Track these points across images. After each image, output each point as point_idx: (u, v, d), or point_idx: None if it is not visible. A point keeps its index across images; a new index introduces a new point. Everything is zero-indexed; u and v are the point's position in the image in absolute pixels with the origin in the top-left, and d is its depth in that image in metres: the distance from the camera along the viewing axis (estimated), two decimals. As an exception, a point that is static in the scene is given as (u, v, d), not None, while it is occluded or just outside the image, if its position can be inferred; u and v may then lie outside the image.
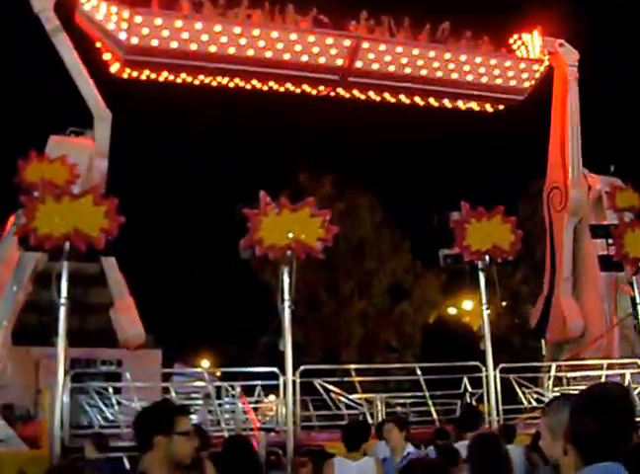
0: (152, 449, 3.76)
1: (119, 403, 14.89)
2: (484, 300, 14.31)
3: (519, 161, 29.15)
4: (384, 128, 28.00)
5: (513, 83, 17.89)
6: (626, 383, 15.20)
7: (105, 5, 14.47)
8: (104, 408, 14.70)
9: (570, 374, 16.63)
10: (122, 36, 14.64)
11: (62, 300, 11.99)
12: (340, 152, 33.38)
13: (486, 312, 14.27)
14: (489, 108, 18.55)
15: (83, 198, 12.08)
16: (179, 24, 14.79)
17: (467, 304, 33.70)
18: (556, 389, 15.52)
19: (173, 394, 14.90)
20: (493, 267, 14.29)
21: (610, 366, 16.05)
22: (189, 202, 35.01)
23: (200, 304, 35.12)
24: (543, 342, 20.50)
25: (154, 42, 14.71)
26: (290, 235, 12.54)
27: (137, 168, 28.35)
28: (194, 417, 15.34)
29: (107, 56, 15.11)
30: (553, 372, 16.05)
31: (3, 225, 13.78)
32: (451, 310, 37.14)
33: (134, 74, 15.35)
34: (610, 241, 16.29)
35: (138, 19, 14.46)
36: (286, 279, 12.75)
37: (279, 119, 26.39)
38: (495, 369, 13.86)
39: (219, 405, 14.51)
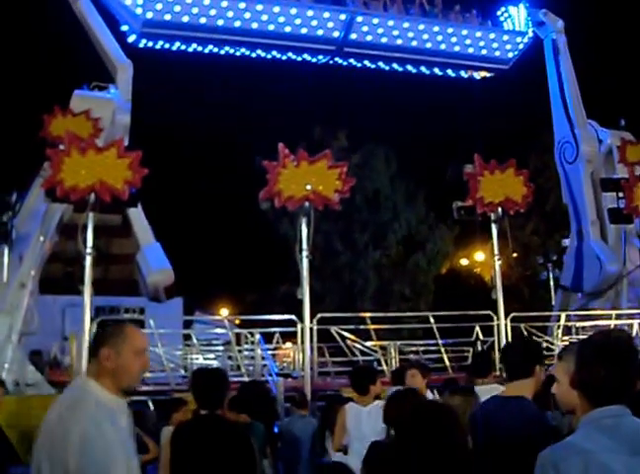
0: (530, 377, 4.60)
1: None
2: (496, 251, 14.59)
3: (529, 116, 29.12)
4: (397, 84, 27.99)
5: (497, 53, 18.98)
6: (634, 333, 15.51)
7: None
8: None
9: (579, 324, 16.89)
10: (139, 10, 15.69)
11: (88, 250, 12.36)
12: (354, 106, 33.39)
13: (498, 263, 14.55)
14: (476, 75, 19.51)
15: (107, 151, 12.38)
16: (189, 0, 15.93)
17: (479, 256, 33.96)
18: (565, 338, 15.76)
19: (195, 341, 15.29)
20: (505, 219, 14.56)
21: (619, 316, 16.36)
22: (209, 154, 35.11)
23: (219, 254, 35.43)
24: (553, 292, 20.84)
25: (167, 17, 15.89)
26: (308, 187, 12.79)
27: (158, 124, 28.47)
28: (214, 362, 15.83)
29: (124, 28, 16.04)
30: (563, 322, 16.34)
31: (29, 178, 14.04)
32: (463, 261, 37.44)
33: (150, 44, 16.46)
34: (621, 194, 16.54)
35: None
36: (304, 230, 13.05)
37: (293, 79, 26.41)
38: (506, 318, 14.16)
39: (239, 351, 14.85)
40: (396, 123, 33.46)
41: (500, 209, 14.24)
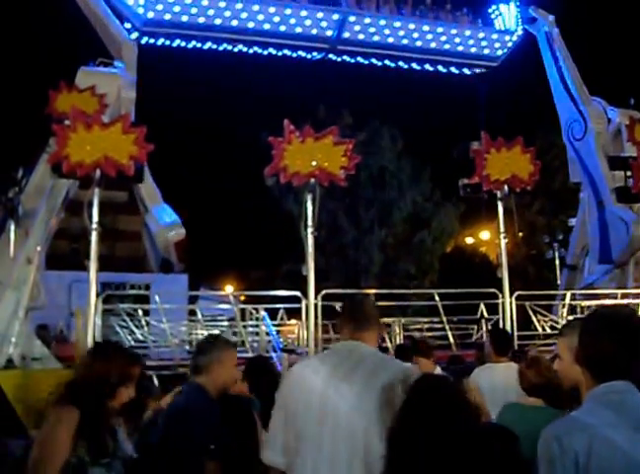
0: None
1: (147, 324, 15.35)
2: (502, 229, 14.56)
3: (535, 96, 29.07)
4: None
5: (486, 51, 19.55)
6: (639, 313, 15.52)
7: (125, -19, 16.33)
8: (134, 328, 15.19)
9: (584, 303, 16.84)
10: (140, 10, 16.34)
11: (94, 226, 12.39)
12: (359, 83, 33.29)
13: (504, 241, 14.52)
14: (467, 71, 19.96)
15: (113, 127, 12.35)
16: (188, 0, 16.63)
17: (484, 234, 33.95)
18: (570, 318, 15.73)
19: (199, 316, 15.33)
20: (511, 197, 14.50)
21: (624, 296, 16.32)
22: (215, 131, 35.13)
23: (225, 231, 35.55)
24: (558, 271, 20.82)
25: (167, 16, 16.61)
26: (314, 163, 12.77)
27: (163, 105, 28.49)
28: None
29: (127, 25, 16.44)
30: (568, 301, 16.31)
31: (36, 154, 14.01)
32: (468, 240, 37.43)
33: (151, 41, 16.98)
34: (629, 173, 16.45)
35: None
36: (310, 207, 13.04)
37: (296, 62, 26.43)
38: (511, 297, 14.10)
39: (244, 327, 14.87)
40: (402, 102, 33.39)
41: (506, 187, 14.18)
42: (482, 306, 14.98)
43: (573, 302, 16.56)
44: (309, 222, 13.04)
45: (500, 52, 19.59)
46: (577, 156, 18.96)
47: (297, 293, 13.21)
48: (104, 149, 12.14)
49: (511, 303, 14.06)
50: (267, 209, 32.63)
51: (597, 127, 18.32)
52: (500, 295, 14.11)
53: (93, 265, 12.30)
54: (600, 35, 32.18)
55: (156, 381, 11.45)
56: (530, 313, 15.32)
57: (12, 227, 13.09)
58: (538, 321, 15.54)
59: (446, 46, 18.98)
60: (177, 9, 16.54)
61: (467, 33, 19.14)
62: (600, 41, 32.25)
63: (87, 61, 14.88)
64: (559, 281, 20.66)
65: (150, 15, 16.37)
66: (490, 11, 19.73)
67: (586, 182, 18.77)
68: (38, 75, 22.09)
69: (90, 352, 4.05)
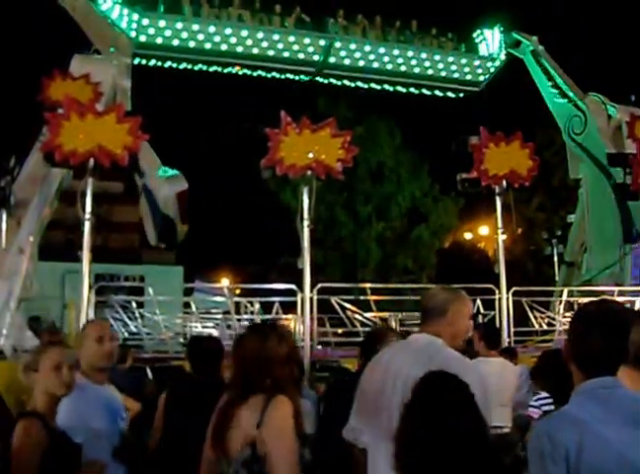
0: None
1: (141, 316, 15.24)
2: (500, 224, 14.46)
3: (535, 92, 28.99)
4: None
5: (468, 77, 20.38)
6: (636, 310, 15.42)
7: (118, 7, 16.63)
8: (127, 321, 15.07)
9: (581, 300, 16.73)
10: (132, 34, 16.78)
11: (87, 216, 12.27)
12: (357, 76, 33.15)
13: (501, 237, 14.42)
14: (451, 95, 20.75)
15: (107, 116, 12.22)
16: (179, 25, 17.34)
17: (483, 230, 33.91)
18: (567, 314, 15.64)
19: (194, 309, 15.23)
20: (510, 192, 14.40)
21: (622, 293, 16.22)
22: (211, 125, 35.06)
23: (220, 224, 35.49)
24: (557, 268, 20.76)
25: (158, 40, 17.28)
26: (311, 155, 12.65)
27: (160, 90, 28.35)
28: (214, 331, 15.79)
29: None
30: (565, 297, 16.22)
31: (29, 143, 13.86)
32: (467, 235, 37.38)
33: (143, 62, 17.57)
34: (628, 170, 16.34)
35: (145, 21, 16.98)
36: (306, 199, 12.93)
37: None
38: (508, 292, 14.03)
39: (238, 320, 14.82)
40: (401, 97, 33.22)
41: (504, 182, 14.09)
42: (478, 302, 14.85)
43: (570, 299, 16.44)
44: (305, 215, 12.93)
45: (482, 78, 20.33)
46: (582, 150, 18.83)
47: (293, 287, 13.12)
48: (98, 138, 12.01)
49: (507, 299, 13.99)
50: (263, 202, 32.55)
51: (597, 117, 18.30)
52: (496, 291, 14.04)
53: (86, 256, 12.22)
54: (600, 31, 32.09)
55: (150, 374, 11.38)
56: (527, 309, 15.21)
57: (4, 217, 12.98)
58: (535, 318, 15.45)
59: (430, 72, 19.75)
60: (168, 33, 17.18)
61: (450, 59, 19.90)
62: (600, 38, 32.17)
63: (81, 49, 14.75)
64: (557, 278, 20.60)
65: (142, 39, 16.92)
66: (474, 36, 20.47)
67: (595, 171, 18.61)
68: (31, 62, 21.97)
69: (253, 336, 3.95)
